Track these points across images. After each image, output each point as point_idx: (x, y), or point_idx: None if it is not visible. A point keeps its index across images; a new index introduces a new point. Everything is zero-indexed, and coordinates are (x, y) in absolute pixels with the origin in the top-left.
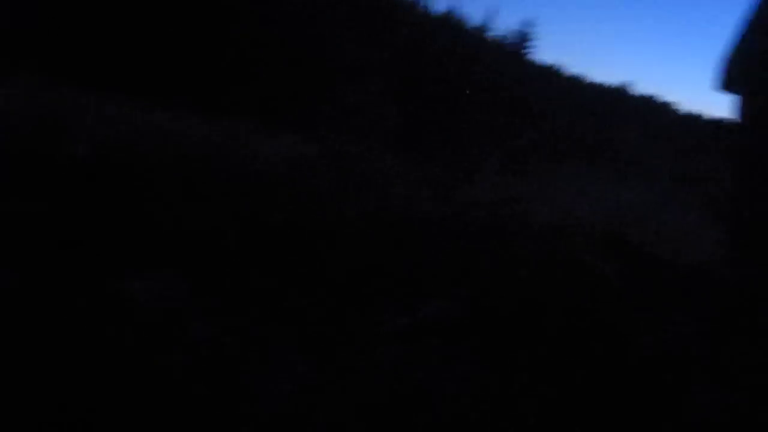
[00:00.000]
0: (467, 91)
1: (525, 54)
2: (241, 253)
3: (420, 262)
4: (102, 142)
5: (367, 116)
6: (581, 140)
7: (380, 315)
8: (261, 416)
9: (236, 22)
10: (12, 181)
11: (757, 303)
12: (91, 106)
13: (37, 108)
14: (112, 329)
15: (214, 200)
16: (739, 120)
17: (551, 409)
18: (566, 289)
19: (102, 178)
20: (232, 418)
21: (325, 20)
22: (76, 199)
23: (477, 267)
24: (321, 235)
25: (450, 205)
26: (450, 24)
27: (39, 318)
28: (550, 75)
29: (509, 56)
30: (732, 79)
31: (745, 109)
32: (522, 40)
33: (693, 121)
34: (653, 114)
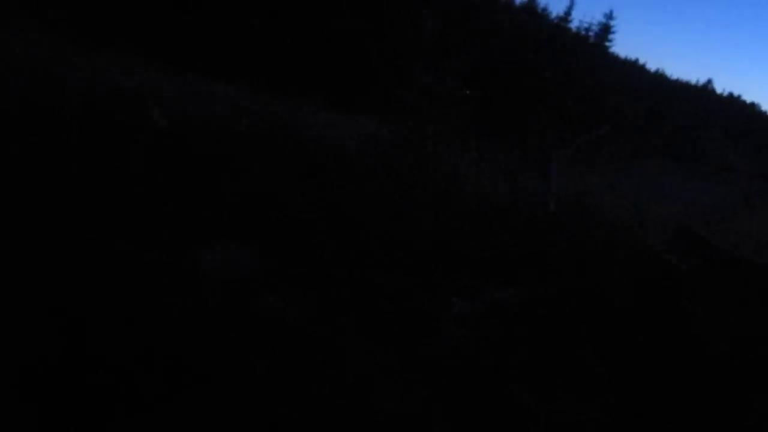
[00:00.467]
0: (545, 80)
1: (606, 46)
2: (313, 229)
3: (489, 248)
4: (181, 114)
5: (442, 100)
6: (661, 136)
7: (448, 298)
8: (327, 395)
9: (312, 3)
10: (96, 149)
11: None
12: (171, 81)
13: (119, 80)
14: (187, 299)
15: (287, 175)
16: None
17: (608, 397)
18: (636, 282)
19: (181, 150)
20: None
21: (402, 2)
22: (156, 168)
23: (544, 255)
24: (392, 216)
25: (521, 193)
26: (532, 12)
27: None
28: (633, 69)
29: (590, 47)
30: None
31: None
32: (603, 31)
33: None
34: (738, 113)
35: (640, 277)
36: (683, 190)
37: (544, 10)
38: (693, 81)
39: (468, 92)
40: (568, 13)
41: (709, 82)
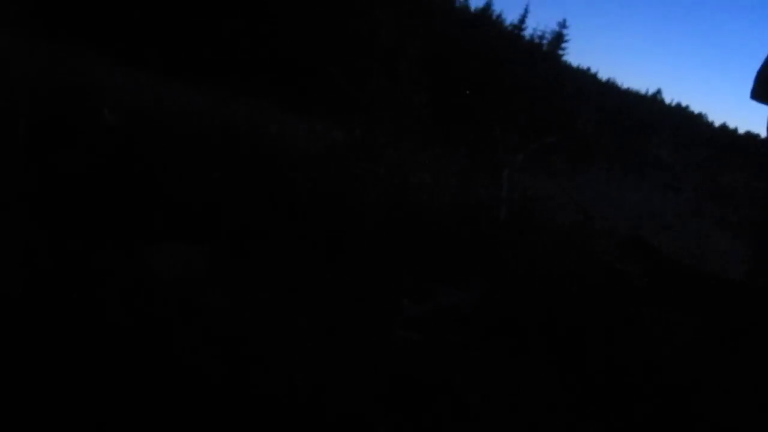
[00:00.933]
0: (499, 86)
1: (559, 55)
2: (260, 231)
3: (440, 252)
4: (131, 112)
5: (397, 104)
6: (611, 144)
7: (399, 301)
8: (271, 400)
9: (267, 5)
10: (45, 146)
11: None
12: (122, 77)
13: (69, 76)
14: (135, 298)
15: (236, 176)
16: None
17: (560, 399)
18: (584, 286)
19: (130, 148)
20: (241, 401)
21: (358, 6)
22: (106, 167)
23: (496, 260)
24: (343, 220)
25: (474, 198)
26: (486, 19)
27: (61, 288)
28: (585, 77)
29: (543, 55)
30: (764, 90)
31: None
32: (557, 40)
33: (726, 133)
34: (685, 123)
35: (590, 282)
36: (632, 196)
37: (499, 17)
38: (643, 90)
39: (422, 96)
40: (522, 21)
41: (659, 92)
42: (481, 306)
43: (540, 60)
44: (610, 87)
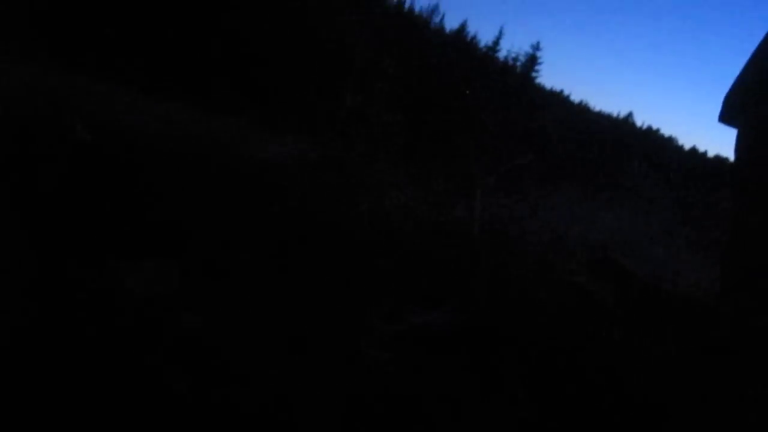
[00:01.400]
0: (473, 107)
1: (532, 77)
2: (236, 246)
3: (413, 273)
4: (108, 130)
5: (371, 123)
6: (582, 166)
7: (371, 321)
8: (245, 416)
9: (244, 21)
10: (19, 162)
11: (745, 334)
12: (101, 94)
13: (46, 93)
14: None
15: (212, 192)
16: (738, 154)
17: (528, 416)
18: (555, 306)
19: (106, 164)
20: (207, 418)
21: (336, 26)
22: (80, 182)
23: (468, 280)
24: (316, 239)
25: (446, 219)
26: (461, 40)
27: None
28: (558, 100)
29: (517, 77)
30: (731, 113)
31: (742, 143)
32: (530, 62)
33: (696, 156)
34: (656, 146)
35: (560, 303)
36: (603, 217)
37: (474, 38)
38: (615, 113)
39: (396, 116)
40: (496, 42)
41: (630, 115)
42: (453, 326)
43: (514, 81)
44: (582, 109)
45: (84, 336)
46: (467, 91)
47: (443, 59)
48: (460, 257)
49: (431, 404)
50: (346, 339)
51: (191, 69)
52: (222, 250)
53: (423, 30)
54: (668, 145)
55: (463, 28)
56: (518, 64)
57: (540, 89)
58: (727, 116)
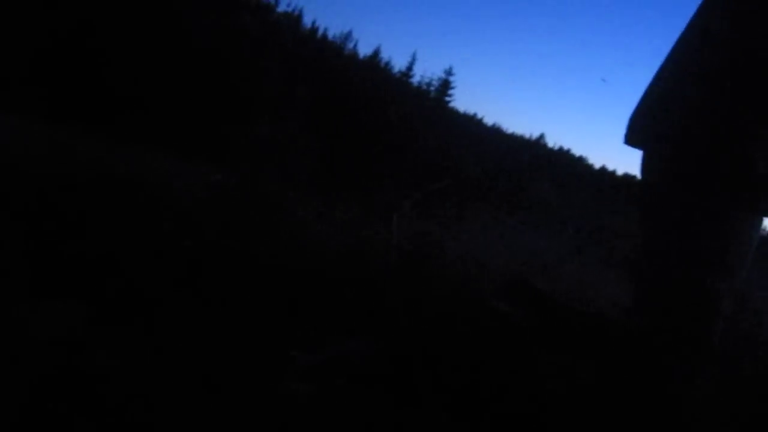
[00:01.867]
0: (387, 134)
1: (446, 101)
2: (145, 282)
3: (329, 301)
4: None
5: (285, 152)
6: (497, 188)
7: (287, 352)
8: None
9: (148, 50)
10: None
11: (655, 351)
12: None
13: None
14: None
15: (119, 225)
16: (643, 175)
17: None
18: (473, 330)
19: (3, 200)
20: None
21: (246, 53)
22: None
23: (385, 307)
24: (229, 269)
25: (362, 245)
26: (374, 67)
27: None
28: (472, 123)
29: (430, 102)
30: (635, 135)
31: (647, 164)
32: (443, 87)
33: (605, 175)
34: (567, 167)
35: (478, 326)
36: (518, 238)
37: (387, 64)
38: (527, 135)
39: (311, 142)
40: (410, 68)
41: (542, 136)
42: (372, 354)
43: (428, 105)
44: (496, 132)
45: None
46: (383, 116)
47: (357, 84)
48: (378, 283)
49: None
50: (266, 373)
51: (97, 97)
52: (131, 289)
53: (337, 56)
54: (579, 164)
55: (376, 53)
56: (432, 88)
57: (454, 113)
58: (631, 138)
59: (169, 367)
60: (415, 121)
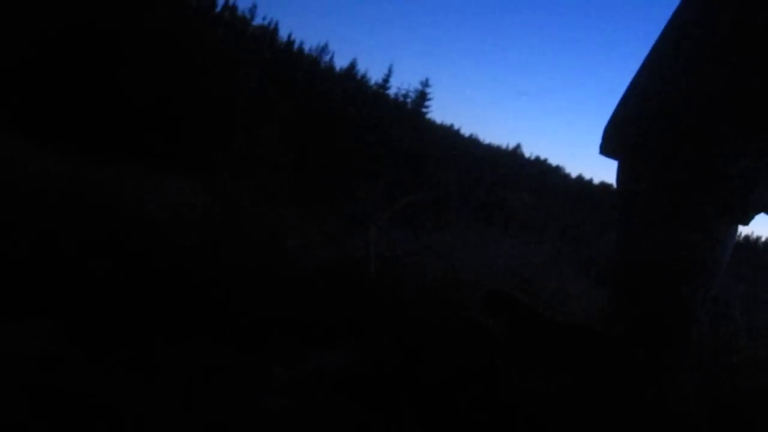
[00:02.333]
0: (365, 145)
1: (423, 112)
2: (122, 300)
3: (308, 313)
4: None
5: (261, 164)
6: (475, 199)
7: (267, 366)
8: None
9: (119, 61)
10: None
11: (632, 359)
12: None
13: None
14: None
15: (92, 243)
16: (619, 185)
17: None
18: (450, 342)
19: None
20: None
21: (222, 65)
22: None
23: (364, 319)
24: (206, 283)
25: (340, 258)
26: (352, 78)
27: None
28: (449, 134)
29: (408, 113)
30: (611, 145)
31: (623, 173)
32: (420, 98)
33: (583, 185)
34: (545, 176)
35: (457, 337)
36: (496, 248)
37: (364, 76)
38: (504, 145)
39: (288, 156)
40: (386, 80)
41: (518, 146)
42: (350, 367)
43: (405, 117)
44: (473, 143)
45: None
46: (359, 129)
47: (334, 97)
48: (357, 295)
49: None
50: (242, 389)
51: (72, 116)
52: (109, 309)
53: (313, 68)
54: (555, 173)
55: (353, 66)
56: (408, 100)
57: (431, 124)
58: (607, 148)
59: (144, 385)
60: (393, 132)
